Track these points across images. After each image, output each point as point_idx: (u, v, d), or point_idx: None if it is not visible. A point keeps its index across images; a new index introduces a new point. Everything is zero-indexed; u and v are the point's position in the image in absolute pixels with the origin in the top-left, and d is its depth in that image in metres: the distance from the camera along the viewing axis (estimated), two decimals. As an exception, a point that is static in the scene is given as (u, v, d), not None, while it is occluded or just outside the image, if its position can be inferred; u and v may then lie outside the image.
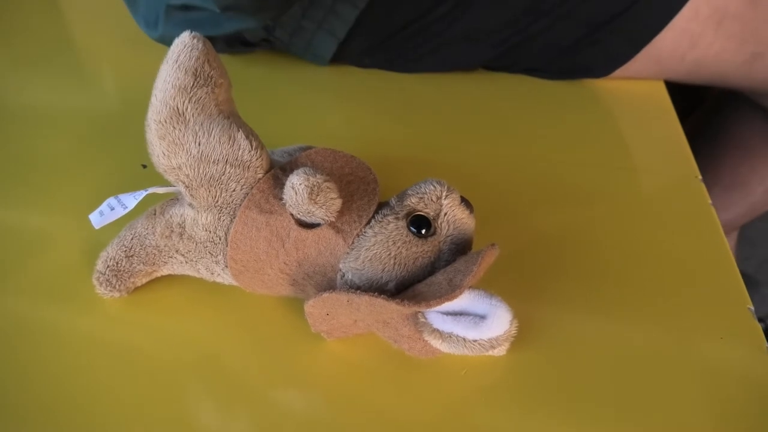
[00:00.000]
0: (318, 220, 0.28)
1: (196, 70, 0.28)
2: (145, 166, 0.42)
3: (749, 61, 0.48)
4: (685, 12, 0.46)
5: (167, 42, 0.28)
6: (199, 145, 0.28)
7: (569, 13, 0.47)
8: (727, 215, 0.63)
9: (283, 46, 0.52)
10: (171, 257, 0.32)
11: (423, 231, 0.29)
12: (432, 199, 0.29)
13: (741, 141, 0.61)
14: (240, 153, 0.28)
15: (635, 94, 0.51)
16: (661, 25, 0.46)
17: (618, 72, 0.50)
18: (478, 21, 0.48)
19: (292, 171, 0.28)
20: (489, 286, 0.28)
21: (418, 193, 0.29)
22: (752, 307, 0.33)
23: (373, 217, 0.29)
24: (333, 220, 0.28)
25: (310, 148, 0.33)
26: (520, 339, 0.29)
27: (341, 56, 0.52)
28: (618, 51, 0.49)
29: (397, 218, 0.29)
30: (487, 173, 0.43)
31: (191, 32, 0.28)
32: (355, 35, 0.50)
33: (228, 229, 0.30)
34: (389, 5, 0.48)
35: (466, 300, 0.27)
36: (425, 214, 0.29)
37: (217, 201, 0.29)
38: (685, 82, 0.53)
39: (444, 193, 0.29)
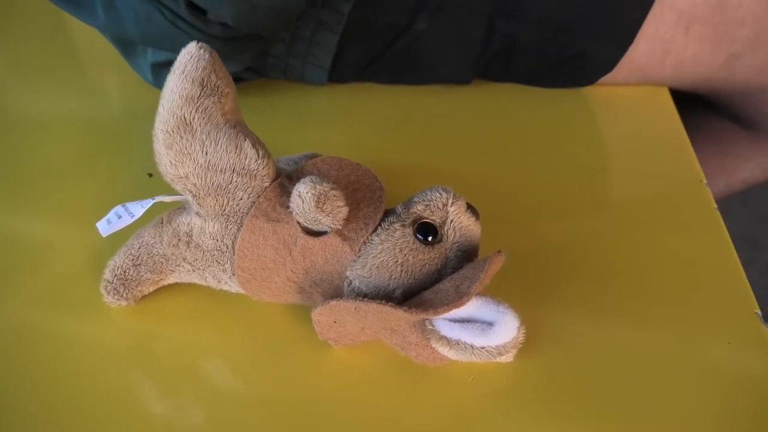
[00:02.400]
0: (325, 228, 0.28)
1: (202, 80, 0.28)
2: (151, 175, 0.42)
3: (729, 63, 0.48)
4: (650, 20, 0.46)
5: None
6: (206, 154, 0.28)
7: (546, 18, 0.48)
8: None
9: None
10: (178, 266, 0.32)
11: (429, 238, 0.29)
12: (438, 206, 0.29)
13: (710, 139, 0.61)
14: (247, 162, 0.29)
15: (638, 98, 0.51)
16: (631, 36, 0.47)
17: (606, 80, 0.51)
18: (457, 31, 0.49)
19: (298, 179, 0.28)
20: (496, 292, 0.28)
21: (424, 201, 0.29)
22: (759, 312, 0.33)
23: (380, 224, 0.29)
24: (340, 227, 0.28)
25: (315, 155, 0.33)
26: (528, 345, 0.29)
27: (337, 79, 0.52)
28: (602, 55, 0.49)
29: (403, 225, 0.29)
30: (492, 180, 0.43)
31: (197, 43, 0.28)
32: (342, 61, 0.50)
33: (235, 237, 0.30)
34: (365, 28, 0.48)
35: (473, 307, 0.27)
36: (431, 221, 0.29)
37: (224, 210, 0.30)
38: (678, 89, 0.53)
39: (450, 200, 0.29)
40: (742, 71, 0.49)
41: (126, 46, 0.51)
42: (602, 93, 0.51)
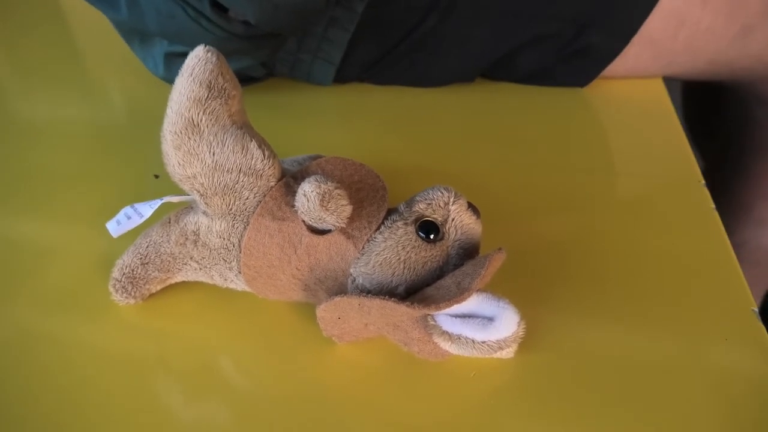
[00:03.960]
0: (329, 227, 0.29)
1: (210, 82, 0.28)
2: (157, 176, 0.43)
3: (741, 35, 0.49)
4: None
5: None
6: (214, 154, 0.29)
7: (556, 14, 0.48)
8: None
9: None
10: (185, 264, 0.33)
11: (431, 236, 0.29)
12: (440, 205, 0.30)
13: None
14: (253, 162, 0.29)
15: (636, 97, 0.51)
16: (647, 10, 0.47)
17: (617, 61, 0.51)
18: (466, 30, 0.49)
19: (303, 179, 0.29)
20: (496, 289, 0.29)
21: (426, 199, 0.30)
22: (756, 309, 0.33)
23: (383, 222, 0.30)
24: (344, 226, 0.29)
25: (319, 157, 0.34)
26: (528, 341, 0.29)
27: (343, 77, 0.53)
28: (610, 44, 0.49)
29: (406, 224, 0.29)
30: (492, 179, 0.43)
31: (205, 46, 0.29)
32: (351, 58, 0.51)
33: (241, 236, 0.30)
34: (376, 26, 0.49)
35: (474, 302, 0.28)
36: (433, 220, 0.30)
37: (231, 209, 0.30)
38: (687, 74, 0.53)
39: (451, 199, 0.30)
40: (755, 44, 0.49)
41: (143, 36, 0.52)
42: (602, 94, 0.52)
